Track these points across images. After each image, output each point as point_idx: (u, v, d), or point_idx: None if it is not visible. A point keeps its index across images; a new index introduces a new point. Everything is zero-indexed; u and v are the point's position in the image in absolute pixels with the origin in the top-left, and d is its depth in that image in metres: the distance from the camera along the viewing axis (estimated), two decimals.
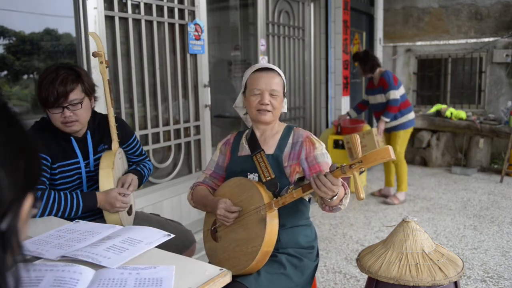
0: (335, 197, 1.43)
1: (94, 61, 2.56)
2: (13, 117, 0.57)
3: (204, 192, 1.75)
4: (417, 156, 6.11)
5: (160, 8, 3.14)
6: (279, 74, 1.70)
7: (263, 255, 1.50)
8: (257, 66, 1.73)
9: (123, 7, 2.87)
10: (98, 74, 2.10)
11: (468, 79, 6.46)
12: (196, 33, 3.37)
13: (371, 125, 5.87)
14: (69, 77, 1.68)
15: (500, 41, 6.05)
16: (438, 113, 5.99)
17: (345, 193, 1.51)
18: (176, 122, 3.35)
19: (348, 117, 4.76)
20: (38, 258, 1.22)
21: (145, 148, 3.03)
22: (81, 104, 1.71)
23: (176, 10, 3.24)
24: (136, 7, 2.97)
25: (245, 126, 1.90)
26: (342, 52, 5.28)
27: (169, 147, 3.31)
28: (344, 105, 5.44)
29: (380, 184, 4.91)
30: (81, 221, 1.53)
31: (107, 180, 1.74)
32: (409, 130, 4.31)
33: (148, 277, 1.07)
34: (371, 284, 1.67)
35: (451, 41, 6.44)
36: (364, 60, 4.30)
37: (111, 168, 1.75)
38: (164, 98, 3.23)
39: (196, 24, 3.35)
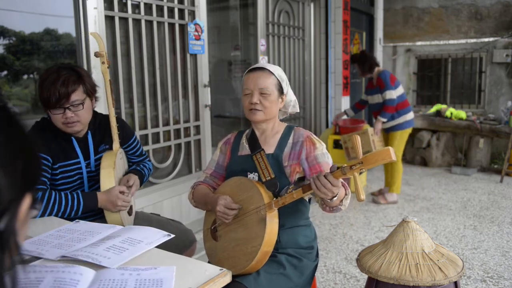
0: (335, 198, 1.43)
1: (94, 61, 2.56)
2: (12, 117, 0.57)
3: (204, 190, 1.75)
4: (417, 156, 6.11)
5: (160, 8, 3.14)
6: (272, 73, 1.68)
7: (263, 255, 1.50)
8: (251, 67, 1.73)
9: (123, 7, 2.87)
10: (98, 74, 2.11)
11: (468, 79, 6.46)
12: (196, 33, 3.37)
13: (371, 125, 5.86)
14: (70, 78, 1.68)
15: (500, 41, 6.05)
16: (438, 113, 5.99)
17: (346, 194, 1.51)
18: (176, 122, 3.35)
19: (345, 116, 4.75)
20: (38, 258, 1.22)
21: (145, 148, 3.03)
22: (83, 105, 1.72)
23: (176, 10, 3.24)
24: (136, 7, 2.97)
25: (245, 125, 1.90)
26: (342, 52, 5.28)
27: (169, 147, 3.31)
28: (344, 105, 5.44)
29: (380, 184, 4.91)
30: (81, 221, 1.53)
31: (108, 179, 1.74)
32: (407, 131, 4.29)
33: (148, 278, 1.07)
34: (371, 284, 1.67)
35: (451, 41, 6.44)
36: (361, 61, 4.30)
37: (113, 168, 1.75)
38: (164, 98, 3.23)
39: (196, 24, 3.35)
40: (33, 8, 2.78)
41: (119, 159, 1.86)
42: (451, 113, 5.86)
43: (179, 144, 3.39)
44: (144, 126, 3.07)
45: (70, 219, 1.64)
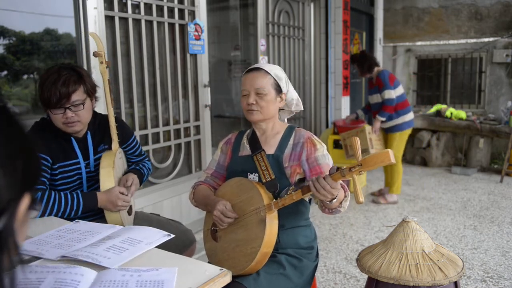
0: (334, 200, 1.43)
1: (94, 61, 2.56)
2: (12, 117, 0.57)
3: (205, 191, 1.75)
4: (417, 156, 6.11)
5: (160, 8, 3.14)
6: (268, 73, 1.67)
7: (263, 256, 1.50)
8: (248, 68, 1.74)
9: (123, 7, 2.87)
10: (98, 74, 2.10)
11: (468, 79, 6.46)
12: (196, 33, 3.37)
13: (371, 125, 5.86)
14: (71, 78, 1.68)
15: (500, 41, 6.05)
16: (438, 113, 5.99)
17: (345, 196, 1.50)
18: (176, 122, 3.35)
19: (356, 118, 4.71)
20: (38, 258, 1.22)
21: (145, 148, 3.02)
22: (83, 105, 1.72)
23: (176, 10, 3.24)
24: (136, 7, 2.97)
25: (245, 125, 1.91)
26: (342, 52, 5.28)
27: (169, 147, 3.31)
28: (344, 105, 5.44)
29: (380, 184, 4.91)
30: (81, 221, 1.53)
31: (108, 179, 1.74)
32: (406, 132, 4.25)
33: (149, 279, 1.07)
34: (371, 284, 1.67)
35: (451, 41, 6.44)
36: (361, 61, 4.29)
37: (112, 168, 1.75)
38: (164, 98, 3.23)
39: (196, 24, 3.35)
40: (33, 8, 2.78)
41: (119, 159, 1.86)
42: (451, 113, 5.86)
43: (179, 144, 3.39)
44: (144, 126, 3.07)
45: (70, 219, 1.64)
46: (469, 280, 2.72)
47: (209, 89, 3.53)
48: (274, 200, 1.52)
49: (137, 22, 2.97)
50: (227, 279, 1.13)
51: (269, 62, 4.39)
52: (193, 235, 2.04)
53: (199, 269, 1.15)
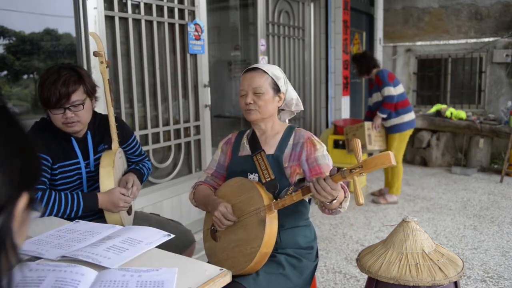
0: (334, 201, 1.43)
1: (94, 61, 2.56)
2: (12, 117, 0.57)
3: (206, 192, 1.75)
4: (417, 156, 6.11)
5: (160, 8, 3.14)
6: (265, 72, 1.68)
7: (262, 257, 1.50)
8: (246, 68, 1.74)
9: (123, 7, 2.87)
10: (98, 74, 2.11)
11: (468, 79, 6.46)
12: (196, 33, 3.37)
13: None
14: (71, 78, 1.68)
15: (500, 41, 6.05)
16: (438, 113, 5.99)
17: (345, 196, 1.50)
18: (176, 122, 3.35)
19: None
20: (38, 258, 1.22)
21: (145, 148, 3.02)
22: (83, 105, 1.72)
23: (176, 10, 3.24)
24: (136, 7, 2.97)
25: (245, 125, 1.91)
26: (342, 52, 5.28)
27: (169, 147, 3.31)
28: (344, 105, 5.44)
29: (380, 184, 4.91)
30: (81, 221, 1.53)
31: (107, 178, 1.74)
32: (407, 133, 4.22)
33: (149, 280, 1.07)
34: (371, 284, 1.67)
35: (451, 41, 6.44)
36: (360, 62, 4.28)
37: (112, 167, 1.75)
38: (164, 98, 3.23)
39: (196, 24, 3.35)
40: (33, 8, 2.78)
41: (118, 158, 1.86)
42: (451, 113, 5.86)
43: (179, 144, 3.39)
44: (144, 126, 3.07)
45: (70, 219, 1.64)
46: (469, 280, 2.72)
47: (209, 89, 3.53)
48: (274, 200, 1.52)
49: (137, 22, 2.97)
50: (227, 279, 1.13)
51: (269, 62, 4.39)
52: (193, 236, 2.04)
53: (199, 269, 1.15)
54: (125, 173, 1.95)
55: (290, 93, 1.77)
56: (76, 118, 1.71)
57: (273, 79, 1.68)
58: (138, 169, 2.00)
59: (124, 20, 2.87)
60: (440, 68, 6.64)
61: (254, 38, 4.35)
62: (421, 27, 6.64)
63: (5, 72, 2.86)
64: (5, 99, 0.59)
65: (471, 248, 3.21)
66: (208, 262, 1.65)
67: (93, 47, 2.54)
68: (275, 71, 1.71)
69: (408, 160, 6.16)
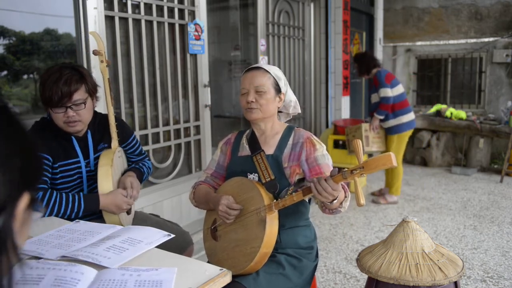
0: (335, 201, 1.43)
1: (94, 61, 2.56)
2: (12, 117, 0.57)
3: (206, 190, 1.76)
4: (417, 156, 6.11)
5: (160, 8, 3.14)
6: (267, 72, 1.68)
7: (262, 257, 1.50)
8: (247, 68, 1.74)
9: (123, 7, 2.87)
10: (98, 74, 2.10)
11: (468, 79, 6.46)
12: (196, 33, 3.37)
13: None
14: (73, 77, 1.68)
15: (500, 41, 6.05)
16: (438, 113, 5.99)
17: (345, 196, 1.50)
18: (176, 122, 3.35)
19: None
20: (38, 258, 1.22)
21: (145, 148, 3.02)
22: (85, 104, 1.72)
23: (176, 10, 3.23)
24: (136, 7, 2.97)
25: (245, 125, 1.91)
26: (342, 52, 5.28)
27: (169, 147, 3.31)
28: (344, 105, 5.44)
29: (380, 184, 4.91)
30: (81, 221, 1.53)
31: (106, 178, 1.74)
32: (405, 134, 4.20)
33: (148, 279, 1.07)
34: (371, 284, 1.67)
35: (451, 41, 6.44)
36: (360, 61, 4.28)
37: (110, 166, 1.75)
38: (164, 98, 3.23)
39: (196, 24, 3.35)
40: (33, 8, 2.78)
41: (118, 157, 1.86)
42: (451, 113, 5.86)
43: (179, 144, 3.39)
44: (144, 126, 3.07)
45: (70, 219, 1.64)
46: (469, 280, 2.72)
47: (209, 89, 3.53)
48: (275, 200, 1.52)
49: (137, 22, 2.97)
50: (227, 279, 1.13)
51: (269, 62, 4.39)
52: (190, 237, 2.03)
53: (199, 269, 1.15)
54: (125, 172, 1.94)
55: (289, 95, 1.77)
56: (77, 117, 1.71)
57: (275, 79, 1.69)
58: (137, 168, 2.00)
59: (124, 20, 2.87)
60: (440, 68, 6.64)
61: (254, 38, 4.35)
62: (421, 27, 6.64)
63: (5, 72, 2.86)
64: (5, 99, 0.59)
65: (471, 248, 3.21)
66: (208, 262, 1.65)
67: (93, 47, 2.54)
68: (277, 72, 1.71)
69: (408, 160, 6.16)
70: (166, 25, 3.19)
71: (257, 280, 1.48)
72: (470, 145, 5.79)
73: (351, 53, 5.48)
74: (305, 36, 5.21)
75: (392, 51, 6.87)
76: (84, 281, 1.05)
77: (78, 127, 1.74)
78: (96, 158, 1.84)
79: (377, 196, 4.41)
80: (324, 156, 1.64)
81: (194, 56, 3.44)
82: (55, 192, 1.67)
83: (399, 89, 4.15)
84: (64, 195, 1.69)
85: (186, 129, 3.44)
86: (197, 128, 3.52)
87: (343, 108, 5.39)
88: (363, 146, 4.21)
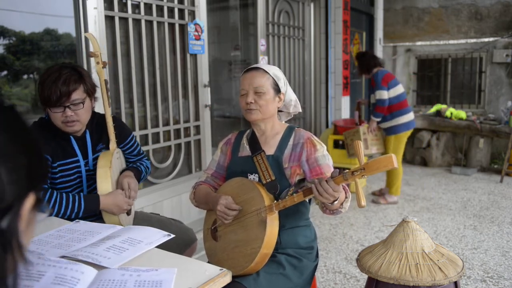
0: (336, 202, 1.43)
1: (94, 61, 2.56)
2: (19, 117, 0.57)
3: (206, 190, 1.76)
4: (417, 156, 6.11)
5: (160, 8, 3.14)
6: (266, 72, 1.68)
7: (262, 257, 1.49)
8: (246, 68, 1.74)
9: (123, 7, 2.87)
10: (96, 74, 2.10)
11: (468, 79, 6.46)
12: (196, 33, 3.37)
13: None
14: (72, 77, 1.68)
15: (500, 41, 6.05)
16: (438, 113, 5.99)
17: (346, 197, 1.51)
18: (176, 122, 3.35)
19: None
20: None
21: (145, 148, 3.02)
22: (83, 104, 1.72)
23: (176, 10, 3.23)
24: (136, 7, 2.97)
25: (245, 125, 1.91)
26: (342, 52, 5.28)
27: (169, 147, 3.31)
28: (344, 105, 5.44)
29: (381, 184, 4.91)
30: (81, 221, 1.53)
31: (104, 179, 1.74)
32: (403, 135, 4.19)
33: (148, 279, 1.07)
34: (371, 284, 1.67)
35: (451, 41, 6.44)
36: (361, 61, 4.28)
37: (109, 167, 1.75)
38: (164, 98, 3.23)
39: (196, 24, 3.35)
40: (33, 8, 2.78)
41: (116, 159, 1.86)
42: (451, 113, 5.86)
43: (179, 144, 3.39)
44: (144, 126, 3.07)
45: (70, 219, 1.64)
46: (469, 280, 2.72)
47: (209, 89, 3.53)
48: (275, 201, 1.52)
49: (137, 22, 2.97)
50: (227, 279, 1.13)
51: (269, 62, 4.39)
52: (194, 234, 2.04)
53: (199, 269, 1.15)
54: (123, 171, 1.94)
55: (289, 94, 1.77)
56: (75, 117, 1.71)
57: (274, 79, 1.68)
58: (135, 167, 1.99)
59: (124, 20, 2.87)
60: (440, 68, 6.64)
61: (254, 38, 4.35)
62: (421, 27, 6.64)
63: (5, 72, 2.86)
64: (5, 99, 0.59)
65: (471, 248, 3.21)
66: (208, 262, 1.65)
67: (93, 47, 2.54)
68: (276, 72, 1.71)
69: (408, 160, 6.16)
70: (166, 25, 3.19)
71: (257, 280, 1.48)
72: (470, 145, 5.79)
73: (351, 53, 5.48)
74: (305, 36, 5.21)
75: (392, 51, 6.87)
76: (84, 281, 1.05)
77: (76, 127, 1.74)
78: (95, 159, 1.84)
79: (377, 196, 4.41)
80: (325, 157, 1.64)
81: (194, 56, 3.44)
82: (55, 192, 1.67)
83: (398, 90, 4.13)
84: (64, 195, 1.69)
85: (186, 129, 3.44)
86: (197, 128, 3.52)
87: (343, 108, 5.39)
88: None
